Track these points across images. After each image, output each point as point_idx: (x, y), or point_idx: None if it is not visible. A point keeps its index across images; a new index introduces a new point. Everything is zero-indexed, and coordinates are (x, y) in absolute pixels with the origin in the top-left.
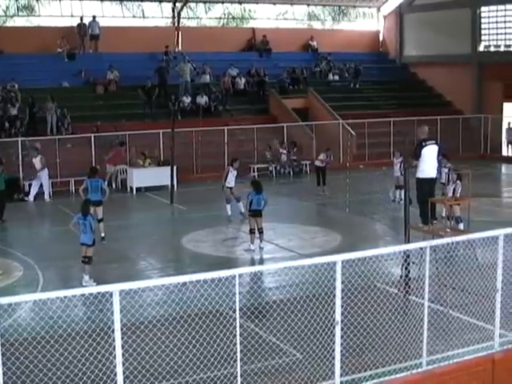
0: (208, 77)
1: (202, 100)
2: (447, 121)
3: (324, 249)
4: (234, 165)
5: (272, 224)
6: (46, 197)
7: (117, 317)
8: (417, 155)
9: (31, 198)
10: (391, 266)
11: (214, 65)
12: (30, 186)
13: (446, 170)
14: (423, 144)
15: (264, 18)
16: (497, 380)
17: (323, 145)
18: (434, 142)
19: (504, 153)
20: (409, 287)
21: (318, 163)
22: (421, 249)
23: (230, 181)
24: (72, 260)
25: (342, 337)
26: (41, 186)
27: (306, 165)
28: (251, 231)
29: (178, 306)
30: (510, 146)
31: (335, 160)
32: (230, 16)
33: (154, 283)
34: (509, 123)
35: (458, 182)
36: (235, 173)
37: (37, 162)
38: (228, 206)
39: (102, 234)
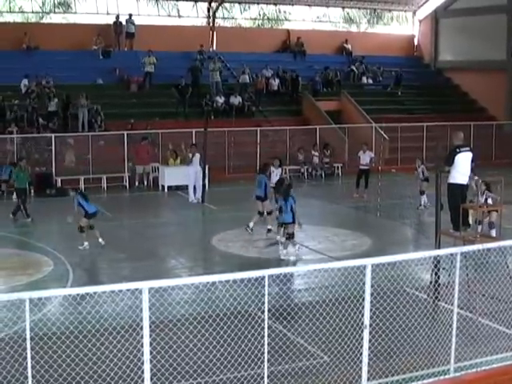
0: (247, 77)
1: (236, 100)
2: (480, 127)
3: (354, 252)
4: (274, 164)
5: (303, 226)
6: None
7: (146, 314)
8: (449, 161)
9: (194, 199)
10: (421, 271)
11: (247, 65)
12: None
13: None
14: (457, 150)
15: (299, 20)
16: None
17: (356, 148)
18: (468, 148)
19: None
20: (438, 293)
21: (362, 167)
22: (451, 255)
23: (274, 181)
24: (102, 256)
25: (369, 341)
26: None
27: (337, 167)
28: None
29: (207, 305)
30: None
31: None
32: (266, 17)
33: (184, 282)
34: None
35: (488, 192)
36: (278, 172)
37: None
38: None
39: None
